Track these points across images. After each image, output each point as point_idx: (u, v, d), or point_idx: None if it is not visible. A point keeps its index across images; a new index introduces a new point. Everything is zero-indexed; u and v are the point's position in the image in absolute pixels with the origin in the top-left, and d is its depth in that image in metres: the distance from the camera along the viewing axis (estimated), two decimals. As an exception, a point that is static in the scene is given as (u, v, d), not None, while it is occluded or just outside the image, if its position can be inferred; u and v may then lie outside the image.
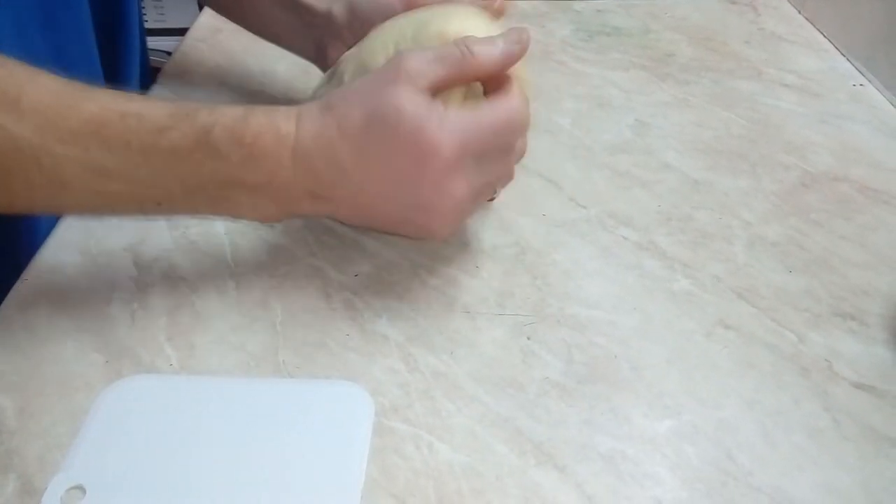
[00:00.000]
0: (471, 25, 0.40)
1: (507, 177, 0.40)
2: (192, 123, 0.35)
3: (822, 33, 0.72)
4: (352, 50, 0.44)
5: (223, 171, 0.35)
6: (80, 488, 0.32)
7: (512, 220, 0.47)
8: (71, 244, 0.45)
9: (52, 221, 0.46)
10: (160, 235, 0.45)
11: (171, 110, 0.35)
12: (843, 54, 0.68)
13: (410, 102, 0.34)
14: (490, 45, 0.36)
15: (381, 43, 0.41)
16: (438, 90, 0.36)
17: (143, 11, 0.67)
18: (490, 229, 0.46)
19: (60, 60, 0.48)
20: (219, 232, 0.46)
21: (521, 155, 0.42)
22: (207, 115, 0.35)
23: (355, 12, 0.48)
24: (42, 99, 0.34)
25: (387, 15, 0.44)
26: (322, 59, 0.51)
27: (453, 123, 0.35)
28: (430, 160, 0.35)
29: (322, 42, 0.50)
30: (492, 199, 0.46)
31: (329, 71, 0.46)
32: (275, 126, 0.36)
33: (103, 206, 0.38)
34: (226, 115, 0.35)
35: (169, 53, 0.68)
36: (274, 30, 0.54)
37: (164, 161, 0.35)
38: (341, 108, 0.36)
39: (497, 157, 0.38)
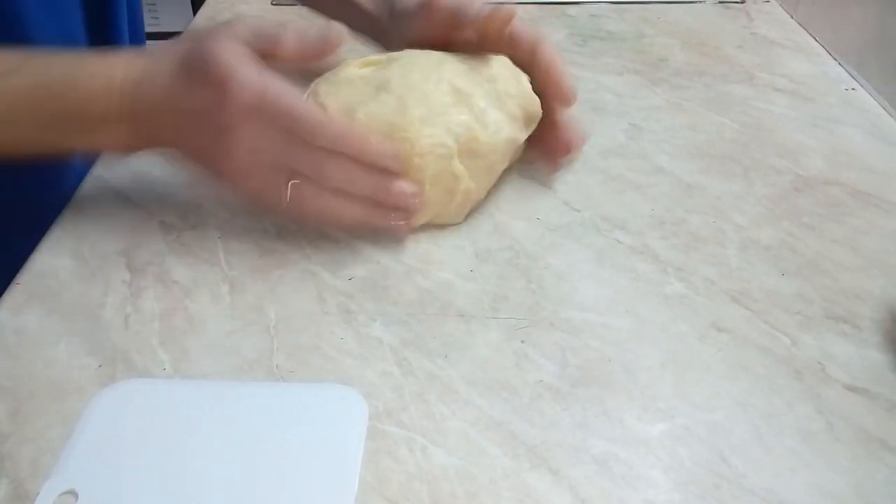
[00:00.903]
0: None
1: (308, 168, 0.41)
2: (34, 67, 0.39)
3: (814, 38, 0.72)
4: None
5: (63, 110, 0.39)
6: (73, 493, 0.32)
7: (506, 223, 0.47)
8: (64, 248, 0.44)
9: (46, 226, 0.46)
10: (153, 239, 0.45)
11: (17, 56, 0.40)
12: (834, 58, 0.68)
13: (228, 48, 0.39)
14: (295, 38, 0.41)
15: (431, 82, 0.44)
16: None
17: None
18: (484, 233, 0.46)
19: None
20: (212, 235, 0.46)
21: (318, 170, 0.41)
22: (46, 59, 0.40)
23: (394, 14, 0.52)
24: None
25: (411, 14, 0.49)
26: None
27: (259, 77, 0.39)
28: (228, 94, 0.38)
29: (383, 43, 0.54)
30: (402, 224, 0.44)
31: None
32: (107, 67, 0.40)
33: None
34: (64, 58, 0.40)
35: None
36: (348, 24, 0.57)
37: (11, 102, 0.39)
38: (166, 51, 0.41)
39: (287, 141, 0.40)
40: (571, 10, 0.77)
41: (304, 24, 0.42)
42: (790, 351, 0.39)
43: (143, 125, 0.41)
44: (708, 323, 0.40)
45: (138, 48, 0.64)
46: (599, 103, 0.61)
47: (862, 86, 0.64)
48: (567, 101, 0.48)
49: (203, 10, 0.75)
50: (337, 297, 0.42)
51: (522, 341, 0.39)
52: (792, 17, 0.76)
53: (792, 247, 0.46)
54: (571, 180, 0.51)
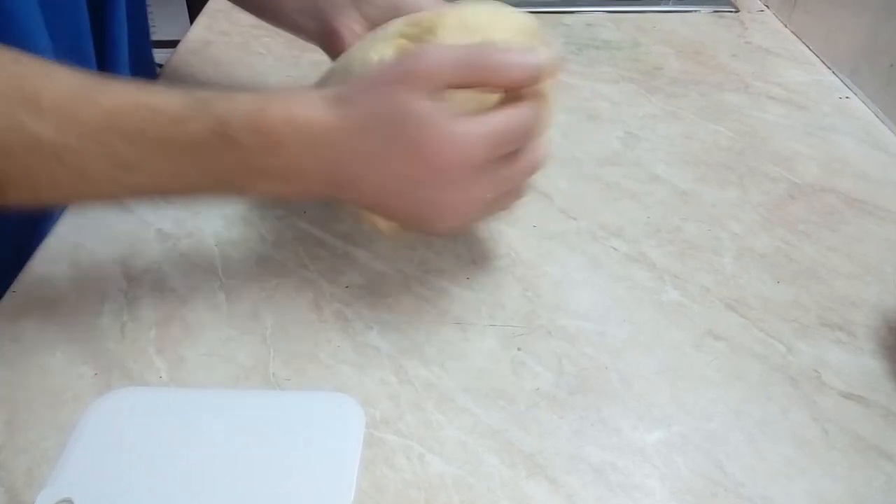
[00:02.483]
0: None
1: (518, 187, 0.39)
2: (209, 113, 0.35)
3: (808, 47, 0.72)
4: (361, 44, 0.42)
5: (242, 161, 0.36)
6: (68, 502, 0.31)
7: (503, 231, 0.47)
8: (61, 256, 0.44)
9: (42, 234, 0.46)
10: (150, 247, 0.45)
11: (187, 101, 0.35)
12: (828, 67, 0.69)
13: (422, 110, 0.34)
14: (520, 59, 0.36)
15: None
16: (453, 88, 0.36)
17: (152, 25, 0.67)
18: (480, 241, 0.46)
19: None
20: (209, 244, 0.46)
21: (533, 167, 0.39)
22: (224, 104, 0.35)
23: None
24: (59, 95, 0.34)
25: None
26: (329, 36, 0.50)
27: (467, 134, 0.35)
28: (445, 169, 0.35)
29: (329, 16, 0.49)
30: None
31: (336, 64, 0.44)
32: (292, 115, 0.36)
33: (127, 196, 0.39)
34: (243, 104, 0.35)
35: (160, 65, 0.68)
36: (278, 7, 0.53)
37: (183, 152, 0.35)
38: (358, 104, 0.36)
39: (506, 166, 0.37)
40: (567, 18, 0.78)
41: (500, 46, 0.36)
42: (786, 358, 0.39)
43: (339, 178, 0.37)
44: (703, 331, 0.41)
45: (147, 63, 0.64)
46: (595, 111, 0.61)
47: (855, 94, 0.64)
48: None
49: (200, 20, 0.76)
50: (333, 305, 0.42)
51: (519, 349, 0.39)
52: (786, 26, 0.77)
53: (787, 254, 0.46)
54: (567, 188, 0.51)
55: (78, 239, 0.46)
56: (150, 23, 0.65)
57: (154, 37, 0.68)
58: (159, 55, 0.69)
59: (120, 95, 0.35)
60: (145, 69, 0.63)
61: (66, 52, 0.49)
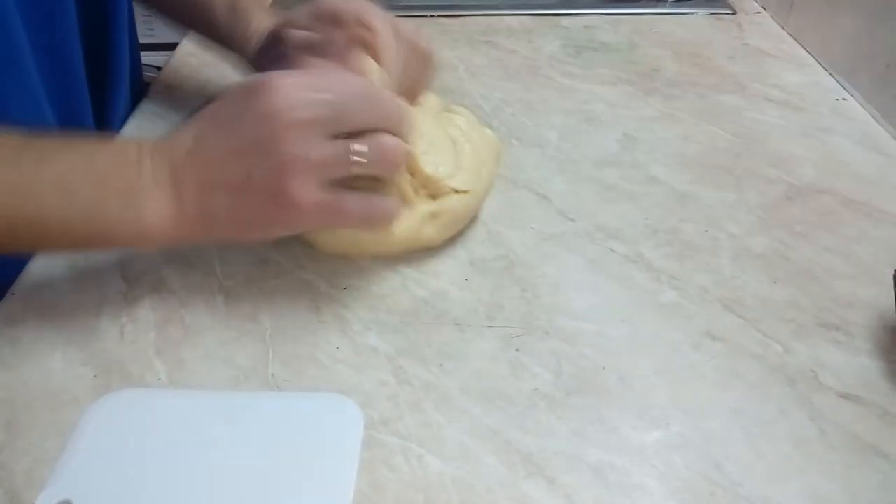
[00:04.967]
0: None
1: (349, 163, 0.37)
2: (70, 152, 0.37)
3: (805, 48, 0.73)
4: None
5: (96, 184, 0.36)
6: (68, 503, 0.31)
7: (501, 233, 0.47)
8: (59, 258, 0.44)
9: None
10: (149, 249, 0.45)
11: (50, 143, 0.37)
12: (825, 69, 0.69)
13: (261, 77, 0.37)
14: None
15: None
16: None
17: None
18: (479, 242, 0.47)
19: (51, 80, 0.48)
20: (208, 246, 0.46)
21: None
22: (78, 145, 0.37)
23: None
24: None
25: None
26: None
27: (287, 82, 0.36)
28: (268, 95, 0.36)
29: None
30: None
31: None
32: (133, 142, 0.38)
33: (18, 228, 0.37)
34: (86, 145, 0.38)
35: (159, 68, 0.68)
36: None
37: (49, 191, 0.36)
38: (206, 111, 0.38)
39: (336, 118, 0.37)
40: (565, 21, 0.78)
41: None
42: (783, 358, 0.39)
43: (174, 180, 0.37)
44: (702, 331, 0.41)
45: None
46: (593, 113, 0.61)
47: (852, 95, 0.64)
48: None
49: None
50: (332, 306, 0.42)
51: (517, 350, 0.39)
52: (783, 28, 0.77)
53: (784, 255, 0.46)
54: (566, 190, 0.52)
55: (77, 241, 0.46)
56: (148, 26, 0.65)
57: (152, 40, 0.68)
58: (157, 58, 0.69)
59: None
60: (136, 77, 0.63)
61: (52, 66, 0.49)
